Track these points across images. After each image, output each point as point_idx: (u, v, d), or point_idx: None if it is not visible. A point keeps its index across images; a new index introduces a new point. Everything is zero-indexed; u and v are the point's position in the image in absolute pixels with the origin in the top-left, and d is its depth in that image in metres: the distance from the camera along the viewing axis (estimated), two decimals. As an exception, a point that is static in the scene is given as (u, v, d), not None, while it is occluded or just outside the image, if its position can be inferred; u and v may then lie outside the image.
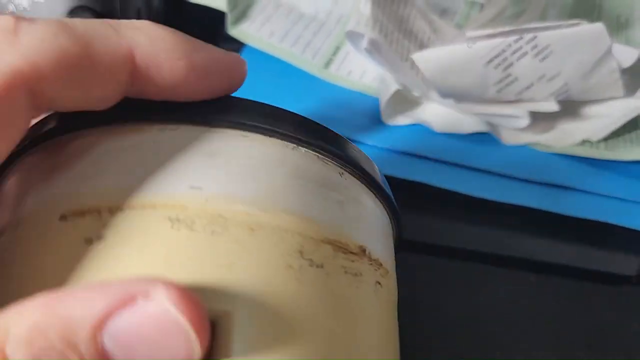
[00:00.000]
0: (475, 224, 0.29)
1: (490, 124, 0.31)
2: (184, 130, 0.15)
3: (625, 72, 0.31)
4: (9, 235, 0.14)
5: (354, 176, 0.16)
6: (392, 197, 0.18)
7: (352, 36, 0.30)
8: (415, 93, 0.30)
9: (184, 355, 0.10)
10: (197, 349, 0.10)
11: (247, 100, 0.16)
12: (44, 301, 0.10)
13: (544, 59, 0.28)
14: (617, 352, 0.27)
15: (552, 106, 0.30)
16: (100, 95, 0.14)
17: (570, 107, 0.32)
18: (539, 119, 0.31)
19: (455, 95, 0.29)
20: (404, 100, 0.31)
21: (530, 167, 0.30)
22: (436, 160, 0.30)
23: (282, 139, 0.15)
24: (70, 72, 0.12)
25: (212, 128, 0.15)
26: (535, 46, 0.28)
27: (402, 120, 0.31)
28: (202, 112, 0.15)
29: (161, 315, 0.10)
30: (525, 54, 0.28)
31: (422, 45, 0.32)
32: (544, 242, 0.29)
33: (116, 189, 0.13)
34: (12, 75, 0.12)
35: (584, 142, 0.31)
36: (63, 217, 0.13)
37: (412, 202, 0.29)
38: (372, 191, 0.17)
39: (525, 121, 0.30)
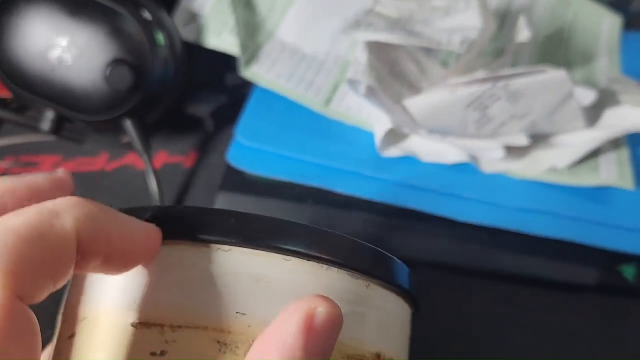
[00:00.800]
0: (457, 243, 0.34)
1: (470, 155, 0.36)
2: (235, 253, 0.17)
3: (587, 107, 0.36)
4: (79, 336, 0.16)
5: (379, 285, 0.18)
6: (414, 288, 0.20)
7: (352, 83, 0.34)
8: (406, 131, 0.35)
9: None
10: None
11: (291, 223, 0.17)
12: None
13: (515, 101, 0.33)
14: (580, 351, 0.32)
15: (522, 140, 0.35)
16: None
17: (539, 139, 0.37)
18: (512, 150, 0.36)
19: (440, 132, 0.34)
20: (396, 134, 0.36)
21: (505, 193, 0.35)
22: (424, 189, 0.34)
23: (318, 262, 0.17)
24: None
25: (259, 251, 0.17)
26: (508, 92, 0.33)
27: (394, 152, 0.36)
28: (252, 236, 0.17)
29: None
30: (499, 98, 0.33)
31: (411, 87, 0.37)
32: (517, 258, 0.34)
33: (177, 307, 0.16)
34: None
35: (551, 169, 0.36)
36: (133, 325, 0.16)
37: (403, 224, 0.34)
38: (394, 291, 0.19)
39: (500, 153, 0.35)
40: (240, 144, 0.35)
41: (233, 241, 0.17)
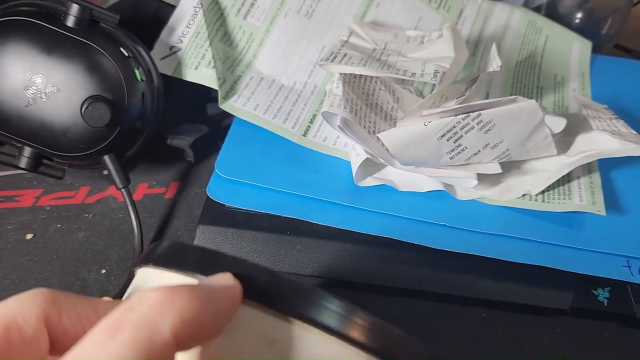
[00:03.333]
0: (434, 269, 0.34)
1: (445, 183, 0.36)
2: (254, 313, 0.17)
3: (558, 133, 0.37)
4: None
5: None
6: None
7: (327, 115, 0.35)
8: (381, 160, 0.36)
9: None
10: None
11: (321, 292, 0.17)
12: None
13: (487, 131, 0.34)
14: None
15: (496, 168, 0.35)
16: None
17: (512, 164, 0.38)
18: (485, 177, 0.36)
19: (414, 163, 0.35)
20: (372, 164, 0.37)
21: (479, 219, 0.35)
22: (400, 217, 0.35)
23: (338, 338, 0.17)
24: None
25: (279, 316, 0.17)
26: (480, 122, 0.34)
27: (371, 181, 0.36)
28: (281, 300, 0.17)
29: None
30: (472, 128, 0.34)
31: (386, 116, 0.38)
32: (492, 283, 0.34)
33: None
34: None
35: (524, 195, 0.37)
36: None
37: (380, 252, 0.34)
38: None
39: (474, 181, 0.35)
40: (219, 177, 0.36)
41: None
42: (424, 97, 0.41)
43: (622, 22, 0.53)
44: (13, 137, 0.33)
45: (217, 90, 0.38)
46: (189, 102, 0.46)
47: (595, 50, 0.50)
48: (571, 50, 0.49)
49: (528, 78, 0.47)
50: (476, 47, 0.47)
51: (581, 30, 0.51)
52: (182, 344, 0.15)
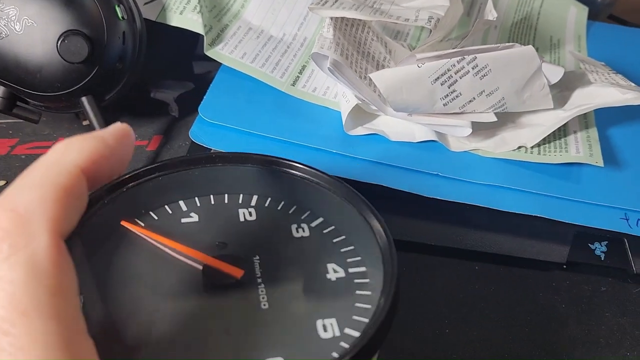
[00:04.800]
0: (427, 221, 0.33)
1: (438, 133, 0.35)
2: None
3: (554, 87, 0.36)
4: None
5: None
6: None
7: (317, 57, 0.34)
8: (373, 107, 0.34)
9: None
10: None
11: None
12: None
13: (483, 77, 0.33)
14: (552, 327, 0.31)
15: (491, 117, 0.34)
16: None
17: (507, 118, 0.36)
18: (481, 128, 0.35)
19: (407, 108, 0.33)
20: (363, 113, 0.35)
21: (473, 170, 0.34)
22: (391, 166, 0.34)
23: None
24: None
25: None
26: (475, 66, 0.32)
27: (361, 131, 0.35)
28: None
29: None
30: (467, 72, 0.32)
31: (378, 65, 0.36)
32: (486, 235, 0.33)
33: None
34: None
35: (520, 148, 0.36)
36: None
37: (371, 202, 0.33)
38: None
39: (468, 130, 0.34)
40: (203, 121, 0.34)
41: None
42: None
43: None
44: (-15, 73, 0.32)
45: (203, 46, 0.37)
46: (175, 58, 0.45)
47: (591, 18, 0.49)
48: (567, 13, 0.48)
49: (524, 39, 0.45)
50: (471, 7, 0.46)
51: (579, -3, 0.50)
52: (90, 179, 0.17)
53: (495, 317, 0.31)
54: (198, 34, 0.37)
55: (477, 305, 0.31)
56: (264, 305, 0.19)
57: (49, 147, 0.38)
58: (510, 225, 0.33)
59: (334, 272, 0.21)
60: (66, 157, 0.17)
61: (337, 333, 0.19)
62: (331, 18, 0.35)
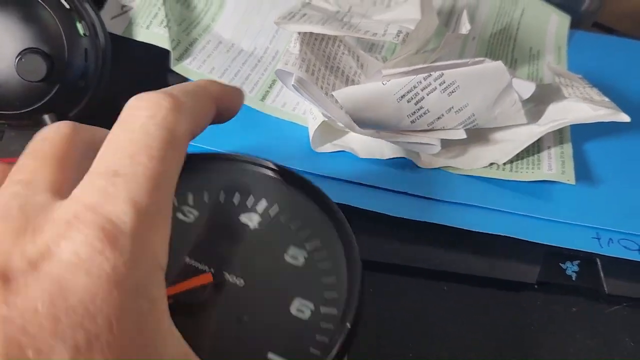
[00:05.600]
0: (394, 240, 0.32)
1: (407, 150, 0.34)
2: None
3: (529, 101, 0.35)
4: None
5: None
6: None
7: (281, 74, 0.33)
8: (340, 124, 0.34)
9: None
10: None
11: None
12: None
13: (451, 93, 0.32)
14: (524, 347, 0.30)
15: (460, 134, 0.33)
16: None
17: (478, 134, 0.36)
18: (451, 145, 0.34)
19: (374, 126, 0.33)
20: (331, 129, 0.35)
21: (443, 189, 0.33)
22: (359, 184, 0.33)
23: None
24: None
25: None
26: (442, 82, 0.32)
27: (329, 148, 0.34)
28: None
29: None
30: (434, 89, 0.32)
31: (347, 80, 0.36)
32: (454, 255, 0.32)
33: None
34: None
35: (492, 165, 0.35)
36: None
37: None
38: None
39: (437, 148, 0.33)
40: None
41: None
42: (390, 65, 0.39)
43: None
44: (-57, 91, 0.31)
45: (169, 54, 0.36)
46: (147, 73, 0.44)
47: (574, 26, 0.49)
48: (548, 23, 0.47)
49: (502, 50, 0.45)
50: (449, 17, 0.45)
51: (562, 6, 0.49)
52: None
53: (465, 337, 0.30)
54: (165, 49, 0.37)
55: (445, 326, 0.31)
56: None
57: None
58: (480, 245, 0.32)
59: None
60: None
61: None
62: (298, 32, 0.34)
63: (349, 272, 0.20)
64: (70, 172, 0.17)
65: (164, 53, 0.39)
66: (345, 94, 0.31)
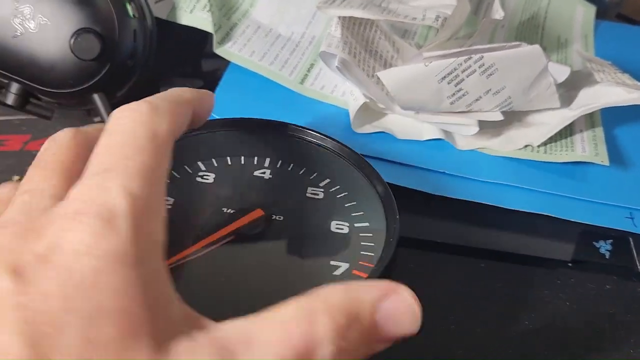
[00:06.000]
0: (433, 219, 0.33)
1: (445, 131, 0.35)
2: None
3: (561, 86, 0.36)
4: None
5: None
6: None
7: (325, 56, 0.34)
8: (380, 105, 0.35)
9: (412, 328, 0.18)
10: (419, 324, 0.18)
11: None
12: (341, 288, 0.17)
13: (489, 75, 0.33)
14: (557, 326, 0.31)
15: (497, 116, 0.34)
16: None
17: (514, 117, 0.37)
18: (487, 127, 0.35)
19: (414, 107, 0.34)
20: (370, 111, 0.36)
21: (480, 168, 0.34)
22: (398, 163, 0.34)
23: None
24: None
25: None
26: (482, 65, 0.32)
27: (369, 129, 0.35)
28: None
29: (406, 301, 0.18)
30: (473, 71, 0.33)
31: (386, 64, 0.37)
32: (492, 233, 0.33)
33: None
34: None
35: (526, 146, 0.36)
36: None
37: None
38: None
39: (475, 129, 0.34)
40: (212, 118, 0.34)
41: None
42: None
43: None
44: (0, 70, 0.32)
45: (211, 44, 0.37)
46: (184, 55, 0.45)
47: (599, 17, 0.49)
48: (574, 13, 0.48)
49: (531, 38, 0.46)
50: (478, 5, 0.46)
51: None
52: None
53: (501, 314, 0.31)
54: (206, 32, 0.37)
55: (482, 302, 0.32)
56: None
57: (60, 143, 0.39)
58: (516, 223, 0.33)
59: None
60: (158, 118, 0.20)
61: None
62: (339, 17, 0.35)
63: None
64: (73, 176, 0.19)
65: (203, 38, 0.40)
66: (389, 75, 0.32)
